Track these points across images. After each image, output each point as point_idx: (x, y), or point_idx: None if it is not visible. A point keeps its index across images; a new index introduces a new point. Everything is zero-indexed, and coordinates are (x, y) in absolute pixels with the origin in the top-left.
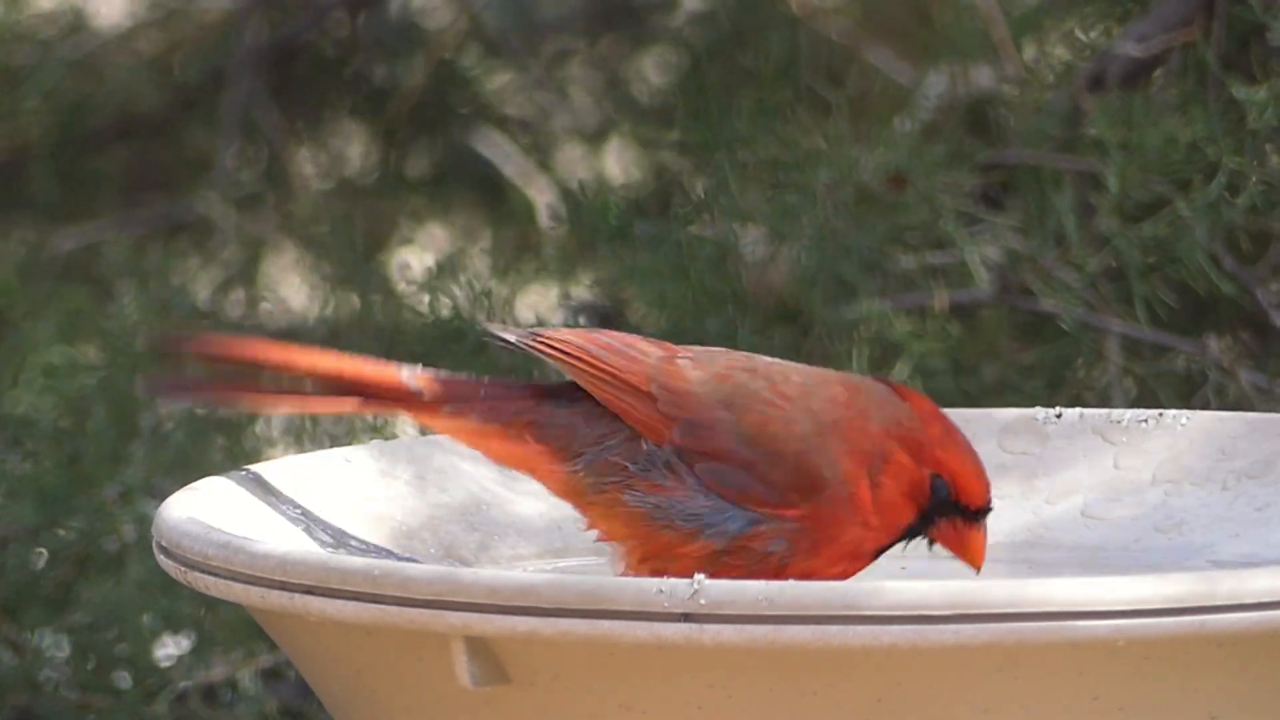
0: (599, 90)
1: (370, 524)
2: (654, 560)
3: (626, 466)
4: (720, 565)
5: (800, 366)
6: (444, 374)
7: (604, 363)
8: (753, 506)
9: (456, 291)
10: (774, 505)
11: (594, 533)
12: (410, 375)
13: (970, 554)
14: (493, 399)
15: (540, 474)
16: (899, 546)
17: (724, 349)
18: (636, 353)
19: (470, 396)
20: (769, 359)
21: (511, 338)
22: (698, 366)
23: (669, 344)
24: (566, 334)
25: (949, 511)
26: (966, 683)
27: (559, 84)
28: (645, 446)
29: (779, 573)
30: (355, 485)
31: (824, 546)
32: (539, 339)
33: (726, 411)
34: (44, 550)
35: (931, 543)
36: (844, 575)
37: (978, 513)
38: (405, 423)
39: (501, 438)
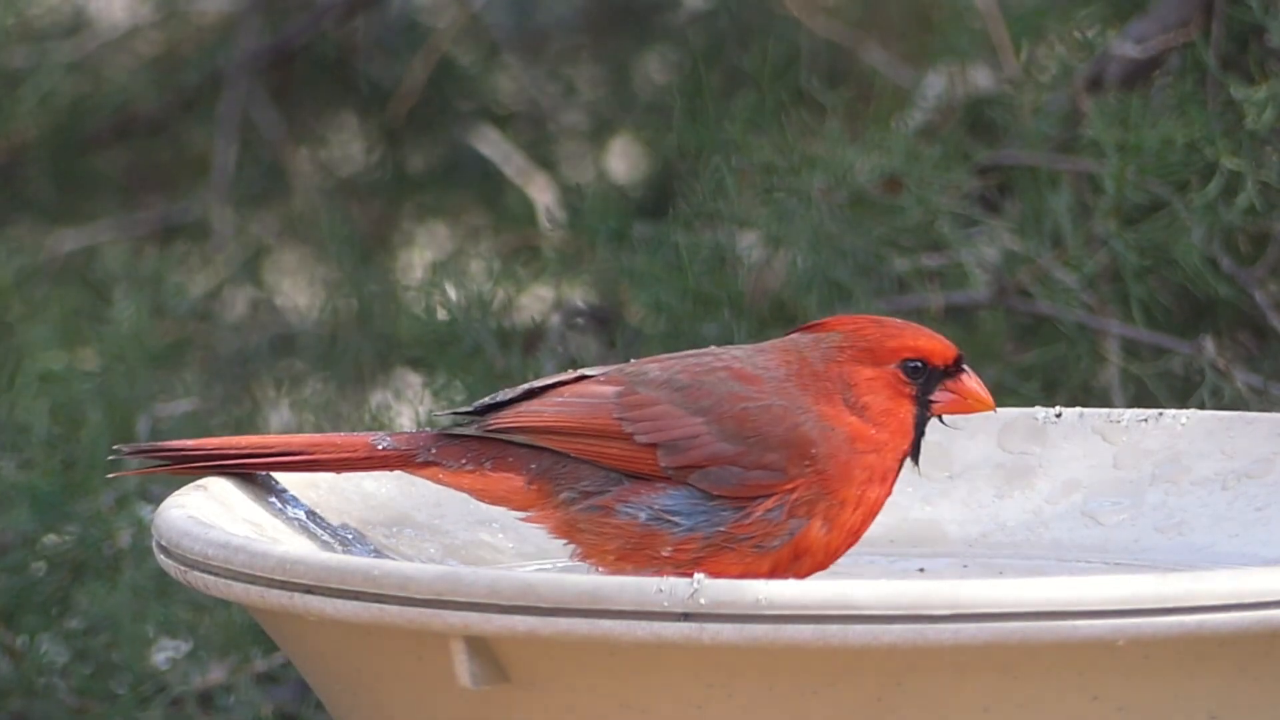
0: (601, 89)
1: (370, 523)
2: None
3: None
4: (717, 555)
5: (734, 347)
6: (409, 433)
7: (566, 420)
8: (752, 494)
9: (454, 294)
10: (776, 484)
11: None
12: (379, 439)
13: (974, 401)
14: (458, 447)
15: (523, 509)
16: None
17: (661, 355)
18: (591, 397)
19: (434, 447)
20: (715, 349)
21: (470, 431)
22: (657, 385)
23: (613, 375)
24: (517, 409)
25: (935, 382)
26: (966, 683)
27: (561, 83)
28: (625, 482)
29: (799, 542)
30: (355, 484)
31: (842, 490)
32: (492, 428)
33: (702, 418)
34: (41, 556)
35: (941, 418)
36: (879, 500)
37: (957, 364)
38: (406, 417)
39: (475, 479)
